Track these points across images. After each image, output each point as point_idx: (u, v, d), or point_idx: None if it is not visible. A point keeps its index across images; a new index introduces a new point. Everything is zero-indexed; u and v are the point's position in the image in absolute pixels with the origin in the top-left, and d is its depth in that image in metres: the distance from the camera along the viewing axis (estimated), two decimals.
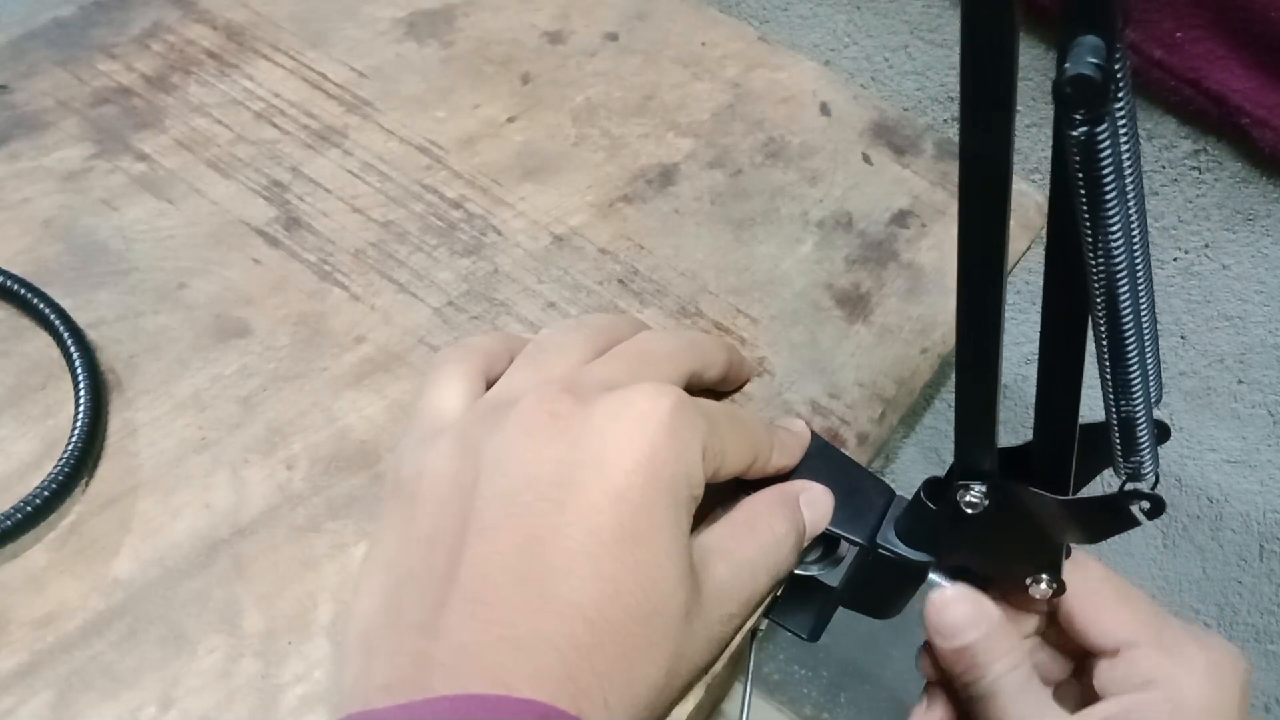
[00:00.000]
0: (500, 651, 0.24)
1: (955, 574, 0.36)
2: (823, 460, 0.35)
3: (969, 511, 0.30)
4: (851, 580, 0.35)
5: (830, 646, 0.94)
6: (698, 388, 0.36)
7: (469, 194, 0.47)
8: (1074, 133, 0.19)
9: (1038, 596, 0.33)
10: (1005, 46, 0.20)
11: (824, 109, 0.54)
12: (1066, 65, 0.19)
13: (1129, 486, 0.27)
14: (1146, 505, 0.27)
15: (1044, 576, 0.33)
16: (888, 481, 0.35)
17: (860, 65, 0.64)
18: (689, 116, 0.52)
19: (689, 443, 0.28)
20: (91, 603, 0.33)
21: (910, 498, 0.34)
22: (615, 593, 0.25)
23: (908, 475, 0.90)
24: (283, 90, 0.50)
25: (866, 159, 0.51)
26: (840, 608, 0.37)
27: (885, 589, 0.35)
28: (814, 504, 0.33)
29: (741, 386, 0.40)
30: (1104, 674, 0.34)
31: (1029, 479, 0.29)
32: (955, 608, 0.33)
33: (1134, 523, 0.28)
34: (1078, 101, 0.19)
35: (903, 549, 0.33)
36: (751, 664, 0.36)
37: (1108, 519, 0.28)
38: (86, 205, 0.44)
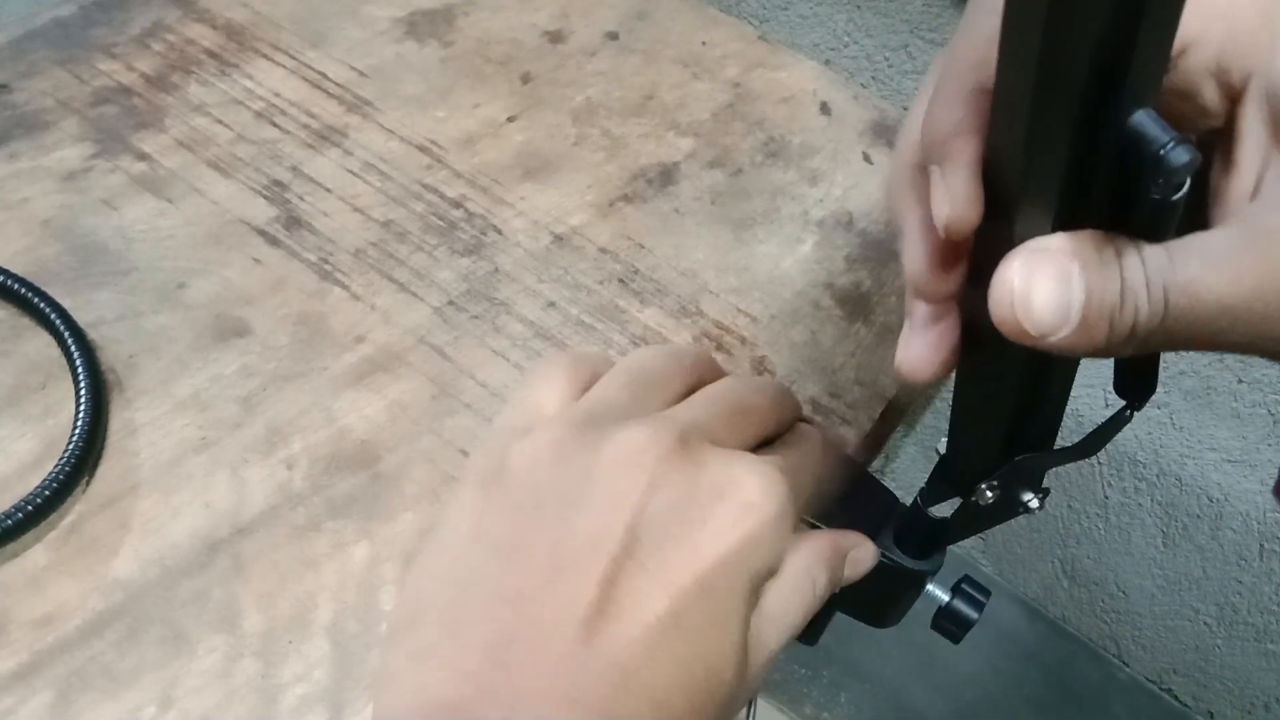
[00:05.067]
0: (566, 712, 0.24)
1: (955, 589, 0.36)
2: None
3: (986, 504, 0.30)
4: (851, 588, 0.35)
5: (830, 646, 0.94)
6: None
7: (469, 193, 0.47)
8: (1163, 201, 0.20)
9: (1032, 513, 0.32)
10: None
11: (824, 108, 0.54)
12: (1165, 154, 0.19)
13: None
14: (1137, 402, 0.28)
15: (1029, 495, 0.32)
16: (889, 483, 0.35)
17: (860, 65, 0.64)
18: (689, 116, 0.52)
19: (784, 538, 0.28)
20: (91, 603, 0.33)
21: (909, 505, 0.34)
22: (684, 681, 0.25)
23: (908, 475, 0.90)
24: (283, 90, 0.50)
25: (867, 158, 0.51)
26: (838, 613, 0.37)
27: (885, 598, 0.35)
28: (858, 563, 0.32)
29: None
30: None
31: (1018, 444, 0.29)
32: (1041, 291, 0.21)
33: (1128, 420, 0.28)
34: (1180, 181, 0.20)
35: (900, 557, 0.33)
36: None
37: (1105, 433, 0.29)
38: (86, 205, 0.44)
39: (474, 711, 0.24)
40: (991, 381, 0.27)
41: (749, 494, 0.27)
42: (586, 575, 0.25)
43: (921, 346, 0.26)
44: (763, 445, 0.32)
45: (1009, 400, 0.27)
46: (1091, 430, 0.29)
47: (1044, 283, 0.21)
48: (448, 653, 0.25)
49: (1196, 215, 0.23)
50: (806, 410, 0.41)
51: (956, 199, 0.23)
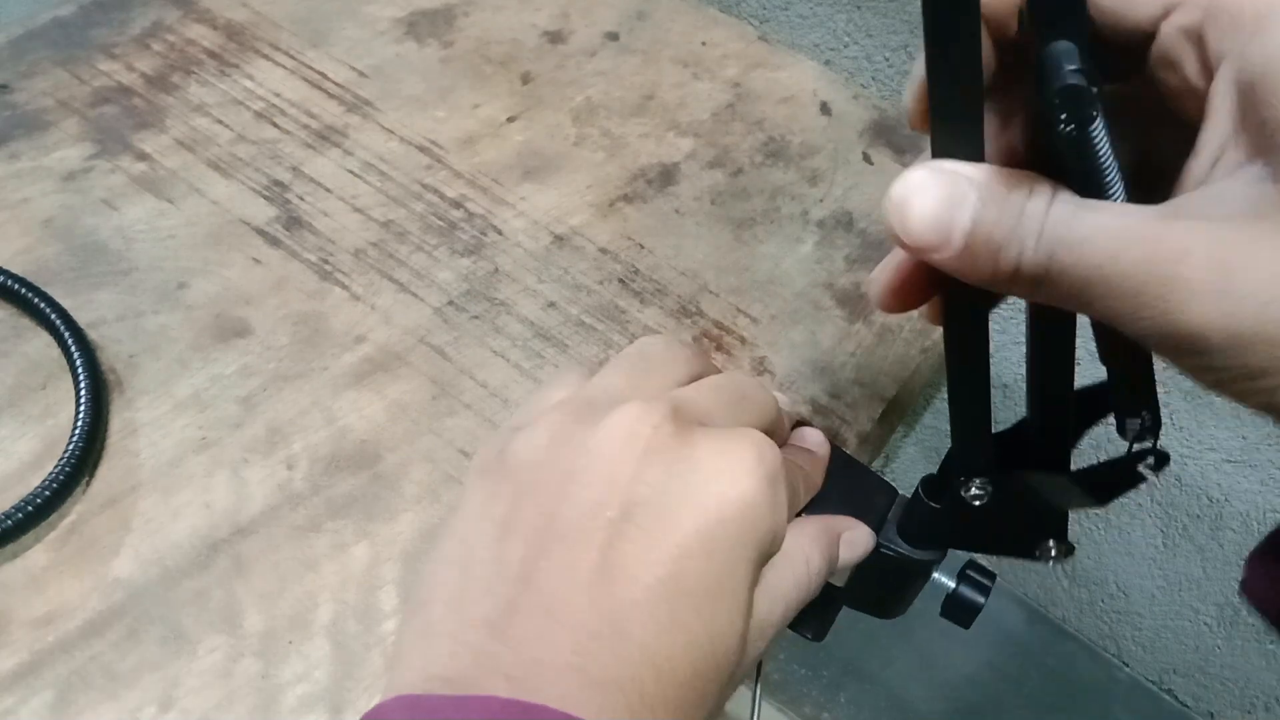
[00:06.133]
0: (570, 681, 0.24)
1: (960, 576, 0.36)
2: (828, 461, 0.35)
3: (975, 504, 0.30)
4: (856, 580, 0.35)
5: (830, 646, 0.94)
6: None
7: (469, 194, 0.47)
8: (1070, 134, 0.20)
9: (1048, 563, 0.32)
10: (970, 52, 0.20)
11: (824, 108, 0.54)
12: (1054, 78, 0.19)
13: (1136, 447, 0.27)
14: (1152, 461, 0.27)
15: (1051, 543, 0.32)
16: (889, 480, 0.35)
17: (860, 65, 0.64)
18: (689, 116, 0.52)
19: (782, 503, 0.28)
20: (91, 603, 0.33)
21: (911, 494, 0.34)
22: (687, 645, 0.25)
23: (908, 474, 0.90)
24: (283, 90, 0.50)
25: (867, 158, 0.51)
26: (844, 607, 0.37)
27: (890, 588, 0.35)
28: (854, 544, 0.32)
29: None
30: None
31: (1027, 460, 0.29)
32: (920, 202, 0.21)
33: (1141, 480, 0.27)
34: (1072, 110, 0.19)
35: (904, 548, 0.33)
36: (761, 669, 0.36)
37: (1115, 481, 0.28)
38: (86, 205, 0.44)
39: (477, 683, 0.24)
40: (967, 357, 0.27)
41: (747, 455, 0.27)
42: (586, 542, 0.26)
43: (891, 271, 0.26)
44: None
45: (984, 377, 0.27)
46: (1100, 466, 0.28)
47: (925, 200, 0.21)
48: (451, 628, 0.26)
49: (1159, 194, 0.22)
50: (805, 411, 0.41)
51: (912, 90, 0.24)
